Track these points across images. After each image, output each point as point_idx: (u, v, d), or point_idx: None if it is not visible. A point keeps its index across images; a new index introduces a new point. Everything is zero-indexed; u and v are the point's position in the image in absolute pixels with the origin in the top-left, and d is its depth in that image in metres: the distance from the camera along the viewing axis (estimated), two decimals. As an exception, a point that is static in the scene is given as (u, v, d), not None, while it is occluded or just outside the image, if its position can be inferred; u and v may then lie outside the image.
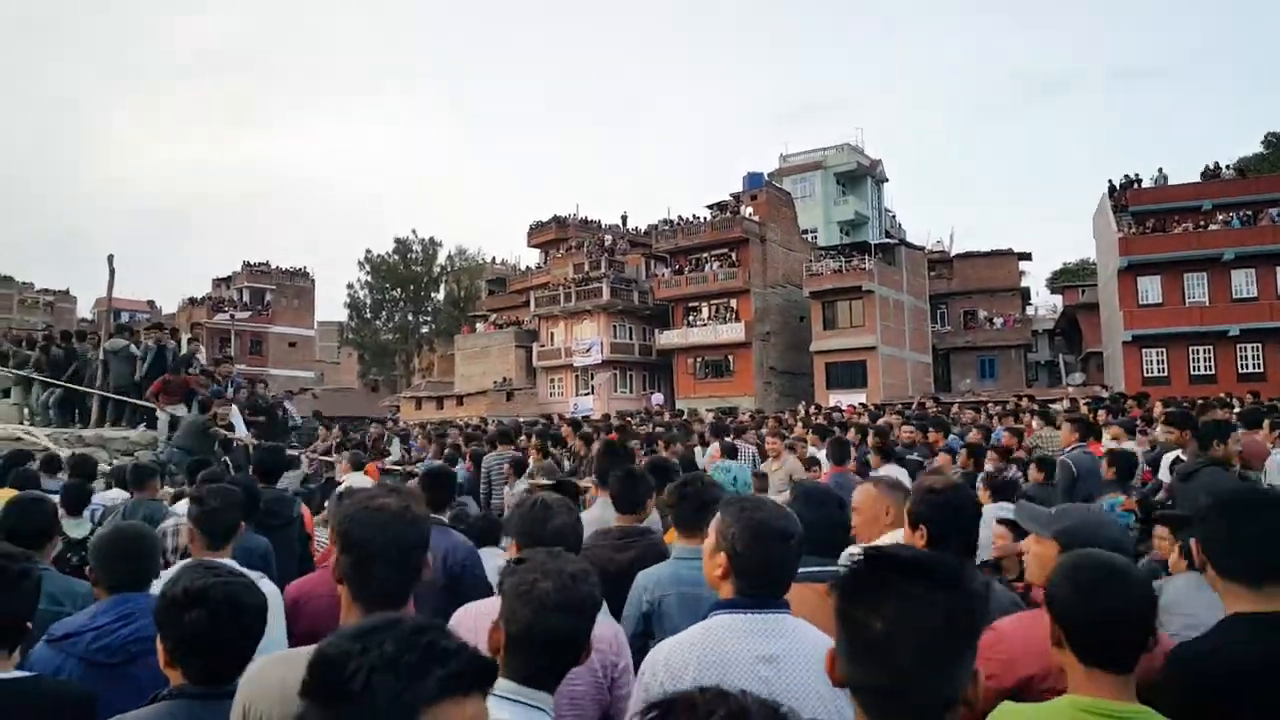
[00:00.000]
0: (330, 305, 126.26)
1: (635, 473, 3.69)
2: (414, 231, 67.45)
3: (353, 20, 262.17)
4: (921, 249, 47.12)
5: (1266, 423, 7.57)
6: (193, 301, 56.80)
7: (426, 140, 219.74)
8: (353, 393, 62.87)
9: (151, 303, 62.49)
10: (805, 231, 46.61)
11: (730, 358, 40.90)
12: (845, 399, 30.18)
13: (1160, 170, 37.80)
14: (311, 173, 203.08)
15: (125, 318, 32.88)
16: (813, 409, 23.56)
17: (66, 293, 78.45)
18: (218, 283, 58.60)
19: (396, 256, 66.27)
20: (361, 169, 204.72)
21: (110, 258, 12.99)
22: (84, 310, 71.73)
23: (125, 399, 12.29)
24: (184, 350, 14.00)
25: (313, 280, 61.01)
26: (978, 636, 1.20)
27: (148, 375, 12.21)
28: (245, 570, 2.22)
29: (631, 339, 44.50)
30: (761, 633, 1.93)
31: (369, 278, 65.90)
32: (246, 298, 55.27)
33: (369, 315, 66.59)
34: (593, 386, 42.82)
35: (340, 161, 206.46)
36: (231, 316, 43.43)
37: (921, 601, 1.13)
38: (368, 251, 66.54)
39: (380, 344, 66.54)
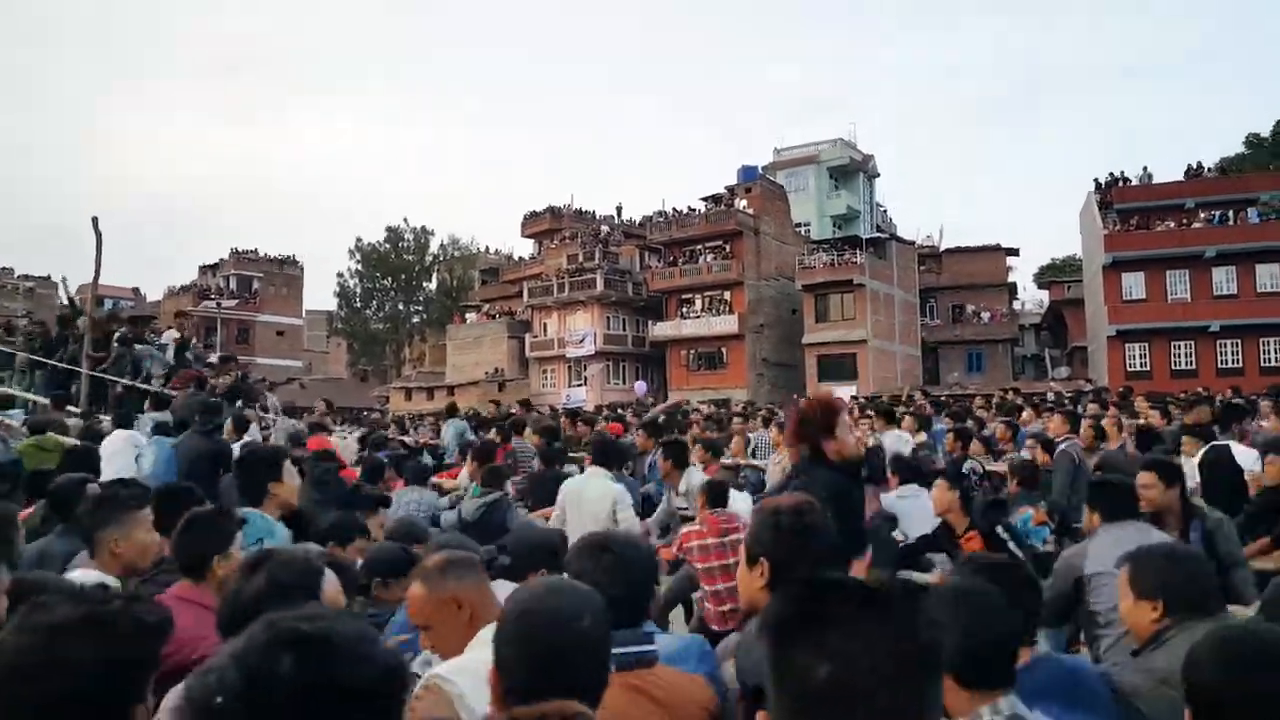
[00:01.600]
0: (319, 294, 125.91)
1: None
2: (406, 220, 67.58)
3: (346, 6, 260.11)
4: (912, 244, 47.63)
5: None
6: (179, 290, 56.63)
7: (419, 129, 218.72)
8: (342, 382, 62.85)
9: (136, 290, 62.04)
10: (798, 225, 46.98)
11: (723, 350, 41.26)
12: (836, 391, 30.50)
13: (1145, 169, 38.43)
14: (303, 160, 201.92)
15: (109, 305, 32.66)
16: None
17: (48, 278, 77.68)
18: (204, 270, 58.27)
19: (388, 245, 66.19)
20: (354, 157, 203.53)
21: (95, 220, 12.72)
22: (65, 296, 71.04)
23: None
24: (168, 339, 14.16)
25: (302, 268, 60.79)
26: (941, 672, 1.01)
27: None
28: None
29: (625, 330, 44.78)
30: None
31: (359, 266, 65.79)
32: (234, 285, 54.97)
33: (359, 304, 66.49)
34: (585, 378, 43.08)
35: (332, 149, 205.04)
36: (218, 305, 43.16)
37: (875, 637, 0.95)
38: (358, 240, 66.46)
39: (370, 333, 66.45)
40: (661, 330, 43.01)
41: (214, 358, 15.78)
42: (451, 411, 12.72)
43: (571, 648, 1.46)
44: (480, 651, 1.77)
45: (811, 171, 50.37)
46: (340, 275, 66.18)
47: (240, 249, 57.96)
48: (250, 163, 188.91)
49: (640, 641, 1.91)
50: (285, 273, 59.10)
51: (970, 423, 10.09)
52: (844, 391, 29.90)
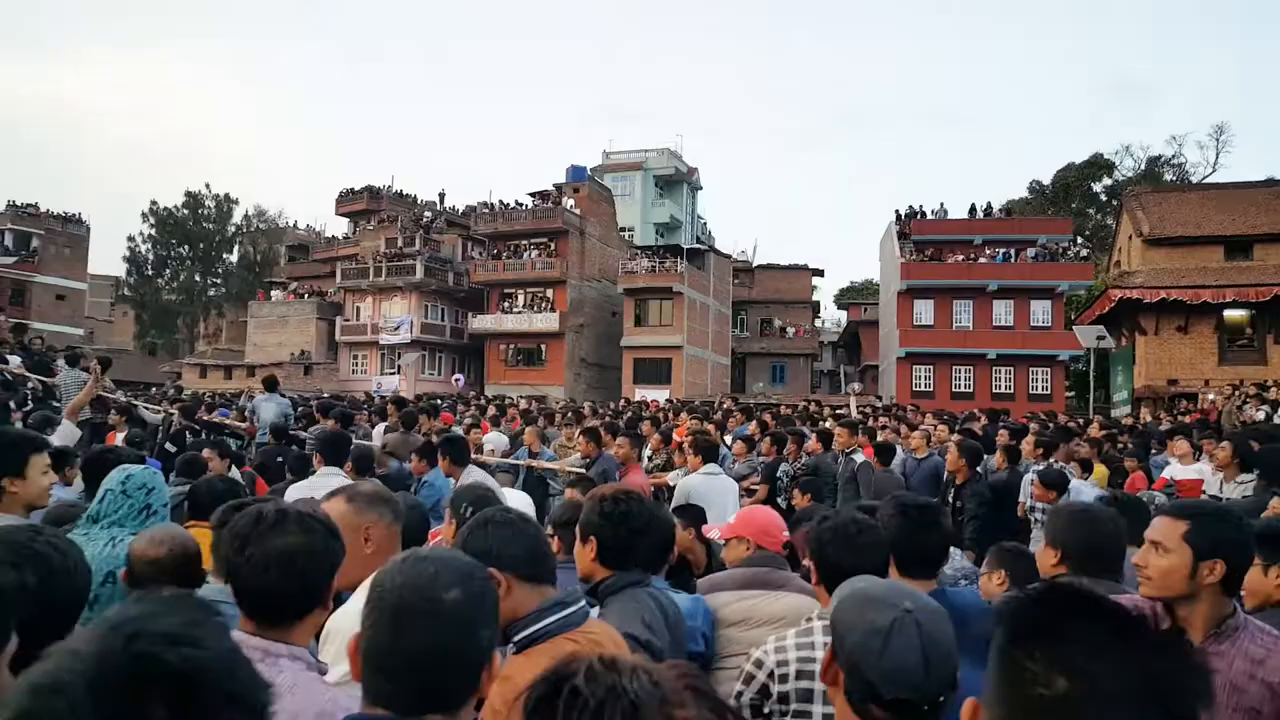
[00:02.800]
0: (107, 258, 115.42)
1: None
2: (207, 186, 63.05)
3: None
4: (729, 257, 49.57)
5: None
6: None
7: (228, 89, 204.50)
8: (127, 355, 57.85)
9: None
10: (623, 229, 47.78)
11: (543, 347, 41.31)
12: (651, 394, 31.41)
13: (942, 204, 41.57)
14: (94, 108, 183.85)
15: None
16: (622, 403, 24.62)
17: None
18: (-27, 222, 52.05)
19: (186, 211, 61.45)
20: (153, 112, 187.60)
21: None
22: None
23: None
24: None
25: (88, 228, 55.39)
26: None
27: None
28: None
29: (443, 320, 43.91)
30: None
31: (153, 231, 60.69)
32: (10, 242, 49.36)
33: (150, 272, 61.41)
34: (399, 366, 41.91)
35: (133, 104, 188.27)
36: (-9, 261, 38.78)
37: (1130, 664, 0.89)
38: (153, 203, 61.21)
39: (162, 304, 61.50)
40: (481, 323, 42.53)
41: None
42: (270, 386, 11.74)
43: (432, 621, 1.36)
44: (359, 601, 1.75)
45: (638, 178, 51.43)
46: (131, 240, 60.92)
47: (18, 202, 52.16)
48: (28, 101, 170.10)
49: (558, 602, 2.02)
50: (69, 232, 53.62)
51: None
52: (658, 395, 30.85)
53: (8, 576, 1.18)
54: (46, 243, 51.69)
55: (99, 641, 0.82)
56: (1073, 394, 37.17)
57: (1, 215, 51.18)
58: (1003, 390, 36.05)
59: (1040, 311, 36.82)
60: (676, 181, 53.41)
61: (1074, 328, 29.94)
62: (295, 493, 4.36)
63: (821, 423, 13.02)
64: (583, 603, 2.10)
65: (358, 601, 1.86)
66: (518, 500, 4.92)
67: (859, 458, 7.91)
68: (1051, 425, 13.31)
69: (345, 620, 2.04)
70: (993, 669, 0.98)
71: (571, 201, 42.46)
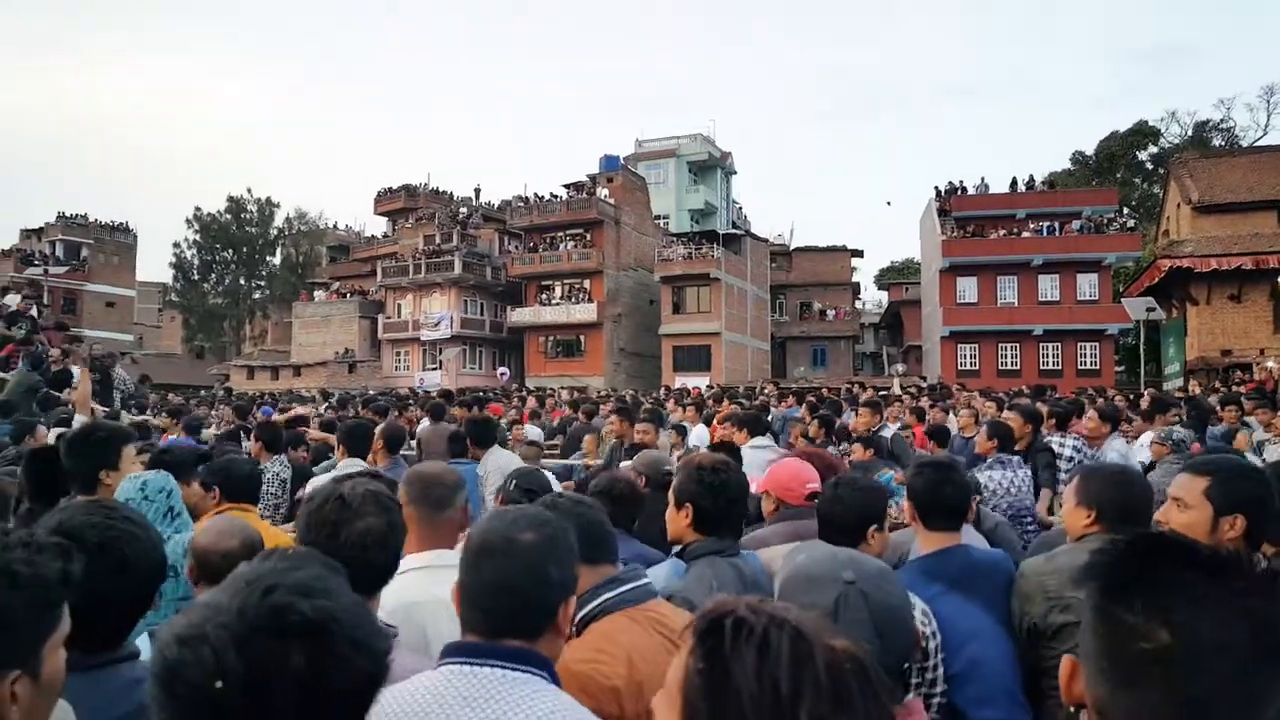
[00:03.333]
0: (154, 265, 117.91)
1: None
2: (249, 190, 64.11)
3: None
4: (765, 241, 49.24)
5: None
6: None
7: (268, 95, 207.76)
8: (176, 359, 59.34)
9: (-55, 251, 56.35)
10: (658, 217, 47.67)
11: (582, 337, 41.44)
12: (691, 381, 31.38)
13: (983, 179, 40.90)
14: (140, 120, 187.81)
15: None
16: (662, 390, 24.60)
17: None
18: (26, 234, 53.48)
19: (229, 216, 62.57)
20: (196, 120, 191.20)
21: None
22: None
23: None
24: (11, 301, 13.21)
25: (135, 236, 56.76)
26: None
27: None
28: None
29: (482, 315, 44.26)
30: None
31: (198, 237, 61.94)
32: (61, 252, 50.71)
33: (196, 277, 62.66)
34: (440, 361, 42.33)
35: (173, 110, 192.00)
36: (45, 271, 39.76)
37: (1231, 611, 0.85)
38: (197, 209, 62.41)
39: (208, 308, 62.80)
40: (520, 316, 42.76)
41: (12, 301, 14.60)
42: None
43: (510, 558, 1.53)
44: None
45: (671, 165, 51.24)
46: (177, 246, 62.24)
47: (68, 213, 53.53)
48: (78, 115, 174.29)
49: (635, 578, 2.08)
50: (117, 240, 55.04)
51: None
52: (698, 381, 30.81)
53: (51, 568, 1.19)
54: (96, 252, 53.08)
55: (238, 595, 0.91)
56: (1122, 368, 36.42)
57: (52, 226, 52.64)
58: (1050, 367, 35.42)
59: (1087, 285, 36.05)
60: (710, 167, 53.10)
61: (1122, 300, 29.30)
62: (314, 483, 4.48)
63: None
64: (644, 581, 2.10)
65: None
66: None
67: (886, 434, 7.84)
68: (1101, 399, 13.07)
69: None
70: (1089, 625, 0.94)
71: (605, 191, 42.45)
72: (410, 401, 17.46)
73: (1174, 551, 0.93)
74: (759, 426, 6.18)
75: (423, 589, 2.22)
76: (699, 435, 8.62)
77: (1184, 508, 2.20)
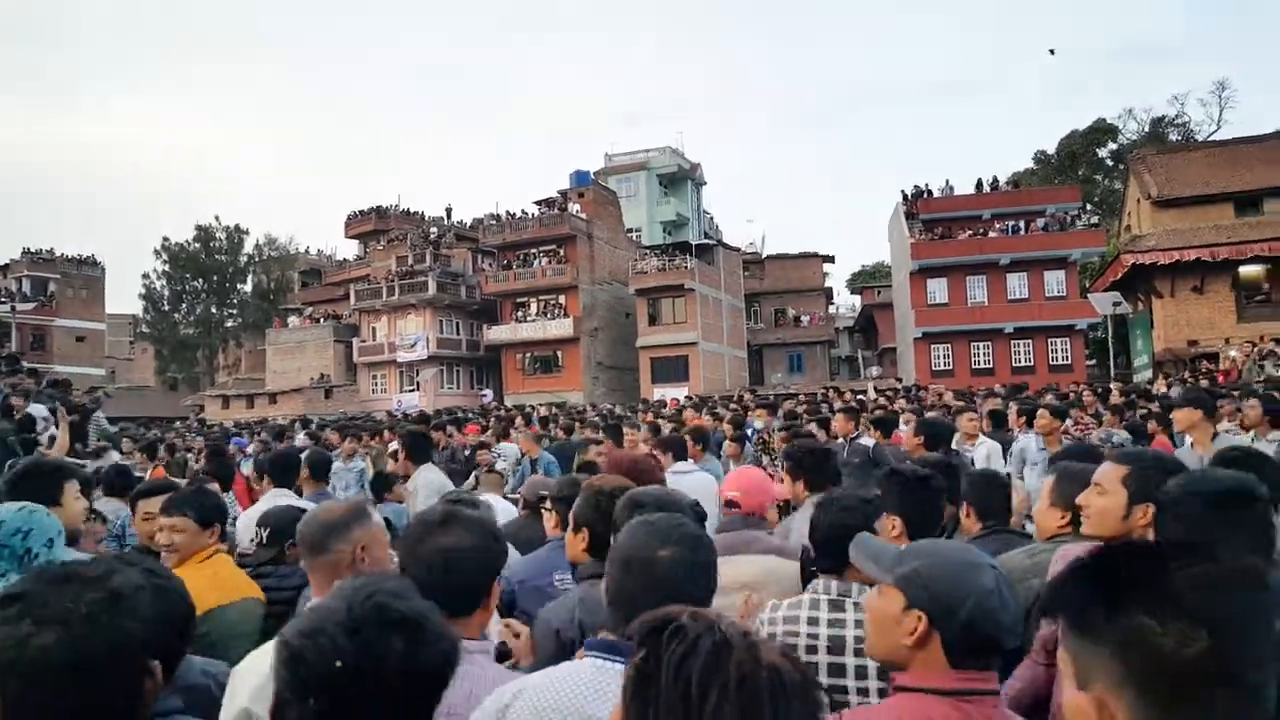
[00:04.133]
0: (123, 297, 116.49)
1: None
2: (217, 218, 63.30)
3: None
4: (737, 250, 49.55)
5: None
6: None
7: (233, 124, 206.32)
8: (150, 391, 58.68)
9: (-91, 291, 55.47)
10: (630, 230, 47.86)
11: (559, 353, 41.50)
12: (670, 393, 31.47)
13: (948, 181, 41.43)
14: (105, 153, 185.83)
15: None
16: (641, 402, 24.74)
17: None
18: (-8, 271, 52.91)
19: (198, 245, 61.89)
20: (160, 151, 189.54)
21: None
22: None
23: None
24: None
25: (103, 269, 56.14)
26: None
27: None
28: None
29: (459, 334, 44.19)
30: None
31: (166, 267, 61.15)
32: (27, 288, 50.09)
33: (166, 308, 61.85)
34: (418, 383, 42.23)
35: (135, 141, 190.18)
36: (12, 308, 39.25)
37: (1247, 600, 0.88)
38: (165, 239, 61.60)
39: (180, 338, 61.99)
40: (496, 334, 42.75)
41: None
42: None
43: (645, 572, 1.69)
44: None
45: (642, 178, 51.53)
46: (146, 277, 61.40)
47: (33, 249, 52.90)
48: (38, 150, 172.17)
49: None
50: (84, 274, 54.41)
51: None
52: (676, 392, 30.90)
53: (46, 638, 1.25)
54: (64, 286, 52.47)
55: (346, 599, 1.16)
56: (1094, 362, 36.95)
57: (17, 263, 51.97)
58: (1023, 364, 35.86)
59: (1054, 282, 36.56)
60: (680, 179, 53.45)
61: (1089, 296, 29.79)
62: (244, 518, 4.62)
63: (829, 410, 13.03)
64: None
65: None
66: (502, 509, 4.97)
67: (866, 441, 7.93)
68: (1068, 396, 13.37)
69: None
70: (1107, 650, 0.90)
71: (577, 207, 42.61)
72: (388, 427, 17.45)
73: (1160, 556, 0.93)
74: (681, 450, 5.82)
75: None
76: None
77: (1102, 492, 2.32)
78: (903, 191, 41.38)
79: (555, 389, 38.91)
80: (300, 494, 5.27)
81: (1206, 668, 0.84)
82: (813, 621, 2.23)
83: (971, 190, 40.56)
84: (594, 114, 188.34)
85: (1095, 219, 39.90)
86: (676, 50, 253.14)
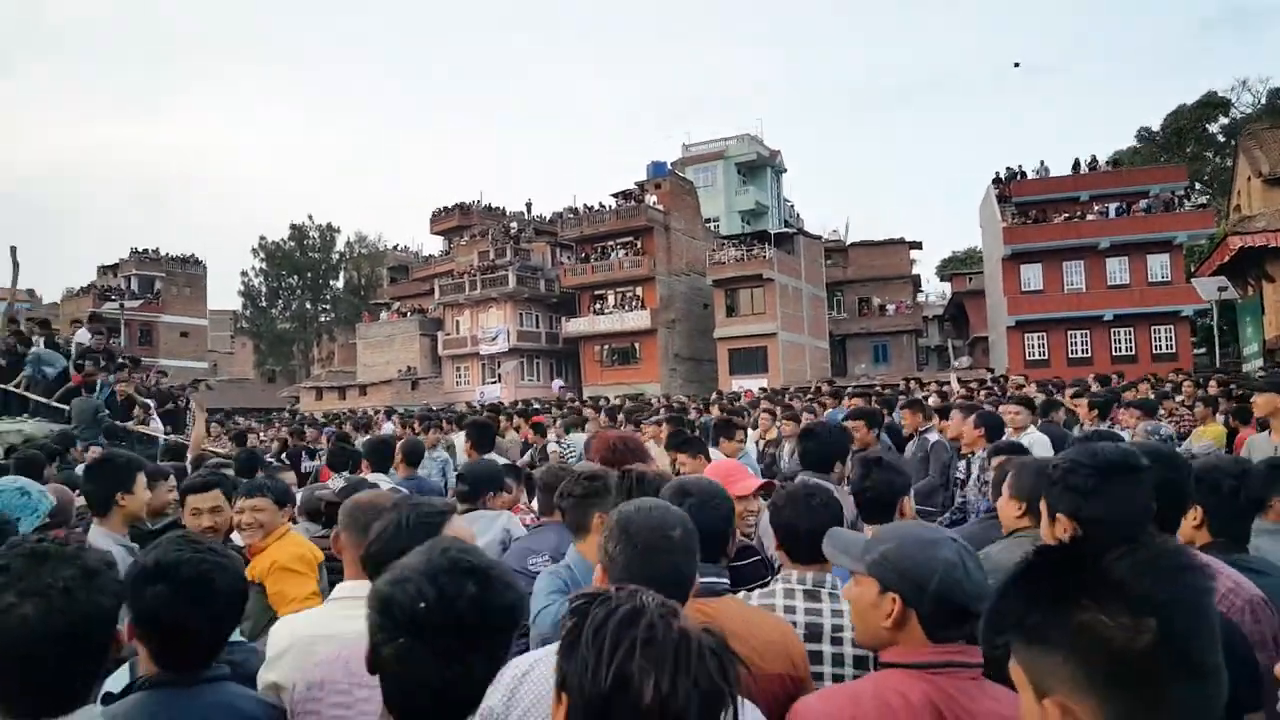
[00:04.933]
0: (224, 294, 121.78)
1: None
2: (310, 217, 65.68)
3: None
4: (819, 238, 48.66)
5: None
6: (78, 291, 54.08)
7: (324, 124, 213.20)
8: (249, 383, 61.16)
9: (31, 292, 58.91)
10: (708, 220, 47.51)
11: (636, 344, 41.47)
12: (747, 384, 31.06)
13: (1042, 163, 39.75)
14: (203, 155, 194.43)
15: (2, 307, 31.16)
16: (715, 394, 24.38)
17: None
18: (103, 270, 55.76)
19: (292, 243, 64.54)
20: (256, 153, 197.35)
21: (13, 250, 12.74)
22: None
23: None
24: (83, 338, 13.71)
25: (204, 267, 58.75)
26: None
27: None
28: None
29: (538, 327, 44.63)
30: None
31: (264, 265, 64.06)
32: (135, 286, 52.68)
33: (264, 304, 64.67)
34: (499, 375, 42.79)
35: (233, 145, 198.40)
36: (121, 306, 41.36)
37: (1182, 581, 0.89)
38: (262, 238, 64.71)
39: (277, 333, 64.65)
40: (575, 326, 43.00)
41: (85, 338, 15.32)
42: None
43: (662, 550, 1.77)
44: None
45: (720, 167, 51.00)
46: (244, 274, 64.53)
47: (140, 248, 55.69)
48: (145, 157, 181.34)
49: (710, 574, 2.15)
50: (187, 272, 57.06)
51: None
52: (755, 384, 30.50)
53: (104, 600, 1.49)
54: (168, 284, 55.05)
55: (424, 555, 1.35)
56: (1203, 350, 34.94)
57: (126, 262, 54.76)
58: (1123, 352, 34.20)
59: (1158, 266, 34.73)
60: (759, 167, 52.67)
61: (1192, 280, 28.11)
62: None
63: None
64: (713, 580, 2.18)
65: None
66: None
67: (932, 437, 7.50)
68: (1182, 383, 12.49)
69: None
70: (1060, 654, 0.89)
71: (654, 198, 42.49)
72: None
73: (1084, 552, 0.93)
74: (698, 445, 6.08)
75: (326, 624, 2.20)
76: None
77: None
78: (996, 173, 39.97)
79: (633, 381, 38.89)
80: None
81: (1162, 655, 0.85)
82: (789, 610, 2.29)
83: (1068, 172, 38.81)
84: (672, 103, 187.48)
85: (1204, 199, 37.65)
86: (755, 34, 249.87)
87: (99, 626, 1.46)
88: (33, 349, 12.78)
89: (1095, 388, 12.25)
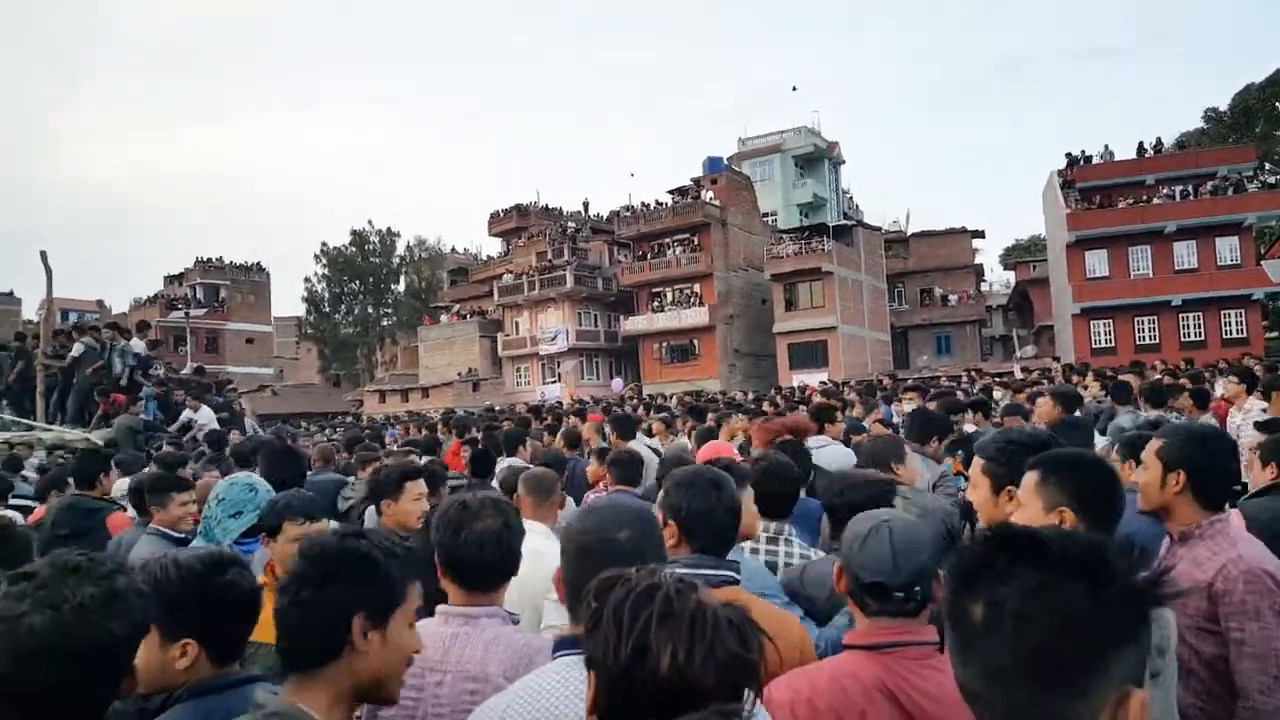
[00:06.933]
0: (287, 300, 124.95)
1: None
2: (370, 223, 66.98)
3: (304, 5, 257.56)
4: (878, 230, 48.09)
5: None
6: (145, 301, 55.90)
7: (383, 129, 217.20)
8: (314, 388, 62.56)
9: (100, 302, 61.03)
10: (765, 214, 47.26)
11: (695, 341, 41.53)
12: (808, 378, 30.90)
13: (1106, 147, 38.82)
14: (264, 165, 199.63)
15: (74, 318, 32.51)
16: (772, 390, 24.37)
17: (11, 294, 76.36)
18: (169, 280, 57.50)
19: (354, 248, 65.82)
20: (315, 160, 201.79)
21: (44, 254, 12.46)
22: (29, 312, 69.81)
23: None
24: (138, 347, 13.85)
25: (268, 275, 60.23)
26: (1125, 641, 0.87)
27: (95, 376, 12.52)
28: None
29: (597, 326, 44.95)
30: None
31: (326, 271, 65.37)
32: (200, 294, 54.30)
33: (327, 309, 66.05)
34: (559, 374, 43.20)
35: (293, 153, 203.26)
36: (186, 314, 42.65)
37: (1035, 585, 0.88)
38: (324, 244, 66.04)
39: (340, 338, 66.04)
40: (633, 324, 43.20)
41: (187, 369, 15.73)
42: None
43: (599, 554, 1.67)
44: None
45: (776, 160, 50.64)
46: (307, 280, 65.93)
47: (205, 258, 57.34)
48: (208, 167, 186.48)
49: (715, 566, 2.17)
50: (251, 280, 58.59)
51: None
52: (815, 378, 30.31)
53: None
54: (233, 292, 56.61)
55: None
56: (1274, 334, 33.85)
57: (191, 271, 56.43)
58: (1192, 338, 33.28)
59: (1227, 249, 33.70)
60: (817, 159, 52.18)
61: (1263, 263, 27.24)
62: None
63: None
64: (725, 571, 2.19)
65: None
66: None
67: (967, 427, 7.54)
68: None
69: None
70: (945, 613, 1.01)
71: (710, 194, 42.46)
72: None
73: (1007, 543, 0.95)
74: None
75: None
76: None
77: (1143, 468, 2.43)
78: (1068, 156, 39.03)
79: (692, 377, 38.96)
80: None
81: (980, 636, 0.91)
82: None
83: (1133, 155, 37.80)
84: (730, 98, 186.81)
85: (1274, 179, 36.39)
86: (813, 23, 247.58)
87: (107, 654, 1.36)
88: (120, 342, 13.09)
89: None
